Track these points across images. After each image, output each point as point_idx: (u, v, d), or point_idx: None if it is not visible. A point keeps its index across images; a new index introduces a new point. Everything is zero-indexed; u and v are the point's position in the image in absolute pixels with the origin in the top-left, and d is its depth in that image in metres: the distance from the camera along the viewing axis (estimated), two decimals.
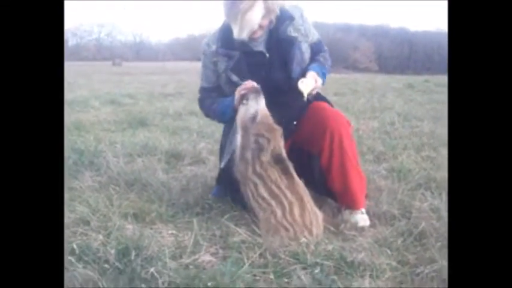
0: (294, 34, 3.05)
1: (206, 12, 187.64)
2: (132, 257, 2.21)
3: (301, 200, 2.63)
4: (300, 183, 2.71)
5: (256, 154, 2.72)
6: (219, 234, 2.67)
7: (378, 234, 2.70)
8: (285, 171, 2.69)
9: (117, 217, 2.75)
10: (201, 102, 3.27)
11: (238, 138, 2.82)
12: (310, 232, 2.57)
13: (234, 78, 3.03)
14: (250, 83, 2.84)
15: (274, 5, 2.90)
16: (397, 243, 2.57)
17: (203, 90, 3.24)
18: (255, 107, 2.77)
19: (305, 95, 2.83)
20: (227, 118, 3.03)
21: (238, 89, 2.88)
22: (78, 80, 18.40)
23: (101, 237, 2.48)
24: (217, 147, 4.81)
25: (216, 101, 3.12)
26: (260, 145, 2.69)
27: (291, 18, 3.05)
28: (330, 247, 2.44)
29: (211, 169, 4.03)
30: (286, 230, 2.59)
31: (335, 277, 2.17)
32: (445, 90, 13.20)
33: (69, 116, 7.01)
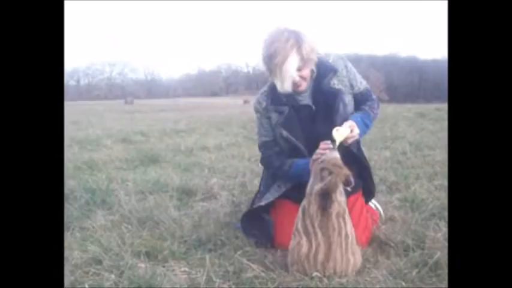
0: (337, 86, 3.12)
1: (216, 48, 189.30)
2: None
3: (329, 246, 2.57)
4: (336, 227, 2.61)
5: (313, 187, 2.71)
6: (232, 270, 2.64)
7: (392, 266, 2.67)
8: (324, 208, 2.65)
9: (129, 256, 2.73)
10: (267, 160, 3.31)
11: (310, 181, 2.80)
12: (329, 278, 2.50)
13: (284, 133, 3.10)
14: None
15: (310, 54, 2.96)
16: (412, 274, 2.53)
17: (265, 144, 3.27)
18: (327, 156, 2.78)
19: (337, 143, 2.84)
20: (304, 180, 2.96)
21: (317, 164, 2.83)
22: (90, 119, 18.56)
23: (113, 276, 2.46)
24: (229, 182, 4.85)
25: (286, 162, 3.14)
26: (322, 177, 2.68)
27: (334, 71, 3.12)
28: (343, 280, 2.42)
29: (223, 204, 4.02)
30: (304, 269, 2.56)
31: None
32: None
33: (81, 155, 7.05)
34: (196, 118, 17.80)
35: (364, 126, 3.08)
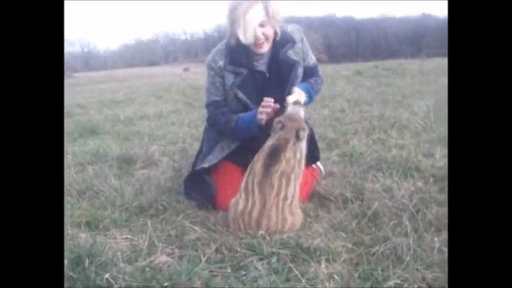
0: (293, 58, 3.14)
1: (151, 17, 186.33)
2: (86, 265, 2.17)
3: (263, 204, 2.58)
4: (275, 188, 2.61)
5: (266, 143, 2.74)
6: (174, 234, 2.65)
7: (332, 219, 2.73)
8: (266, 167, 2.64)
9: (69, 227, 2.69)
10: (213, 119, 3.27)
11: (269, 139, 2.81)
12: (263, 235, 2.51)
13: (240, 94, 3.09)
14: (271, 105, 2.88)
15: (275, 14, 2.97)
16: (352, 225, 2.60)
17: (214, 104, 3.23)
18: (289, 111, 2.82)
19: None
20: (253, 133, 3.00)
21: (262, 108, 2.89)
22: None
23: None
24: (169, 148, 4.82)
25: (232, 118, 3.13)
26: (275, 130, 2.71)
27: (293, 42, 3.14)
28: (285, 236, 2.45)
29: (164, 170, 3.99)
30: (239, 226, 2.60)
31: (292, 265, 2.17)
32: (391, 74, 13.36)
33: None
34: (136, 88, 17.54)
35: (308, 97, 3.11)
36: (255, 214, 2.57)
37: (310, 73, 3.27)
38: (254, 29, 2.90)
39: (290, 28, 3.19)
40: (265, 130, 2.90)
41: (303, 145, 2.75)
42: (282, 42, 3.12)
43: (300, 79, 3.20)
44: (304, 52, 3.21)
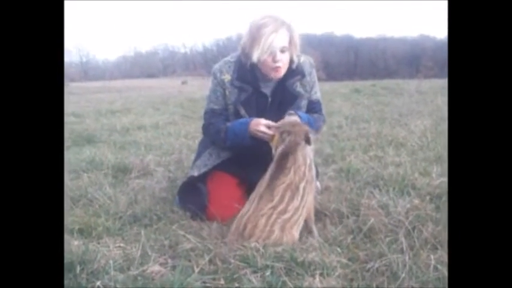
0: (299, 90, 3.16)
1: (151, 29, 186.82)
2: (78, 272, 2.15)
3: (256, 212, 2.58)
4: (275, 201, 2.59)
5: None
6: (168, 244, 2.62)
7: (327, 234, 2.70)
8: (272, 178, 2.66)
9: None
10: (207, 127, 3.27)
11: None
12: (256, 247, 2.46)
13: (242, 111, 3.10)
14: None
15: (296, 39, 3.01)
16: (347, 240, 2.58)
17: (211, 112, 3.23)
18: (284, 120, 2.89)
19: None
20: (244, 143, 3.00)
21: (261, 128, 2.90)
22: None
23: None
24: (165, 159, 4.80)
25: (221, 129, 3.12)
26: (282, 140, 2.74)
27: (302, 75, 3.16)
28: (279, 249, 2.42)
29: (159, 180, 3.97)
30: (233, 229, 2.61)
31: (286, 278, 2.15)
32: (388, 93, 13.39)
33: None
34: (133, 99, 17.49)
35: (311, 125, 3.05)
36: (245, 218, 2.58)
37: (313, 109, 3.27)
38: (272, 50, 2.92)
39: (302, 59, 3.20)
40: (257, 141, 2.91)
41: (310, 150, 2.76)
42: (293, 73, 3.13)
43: (302, 111, 3.18)
44: (311, 86, 3.23)
